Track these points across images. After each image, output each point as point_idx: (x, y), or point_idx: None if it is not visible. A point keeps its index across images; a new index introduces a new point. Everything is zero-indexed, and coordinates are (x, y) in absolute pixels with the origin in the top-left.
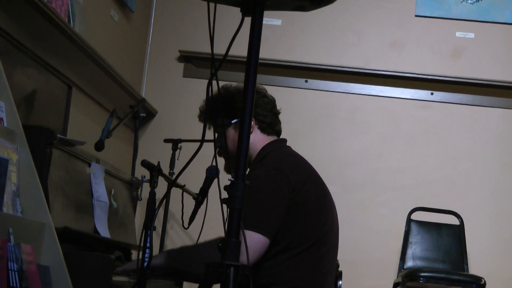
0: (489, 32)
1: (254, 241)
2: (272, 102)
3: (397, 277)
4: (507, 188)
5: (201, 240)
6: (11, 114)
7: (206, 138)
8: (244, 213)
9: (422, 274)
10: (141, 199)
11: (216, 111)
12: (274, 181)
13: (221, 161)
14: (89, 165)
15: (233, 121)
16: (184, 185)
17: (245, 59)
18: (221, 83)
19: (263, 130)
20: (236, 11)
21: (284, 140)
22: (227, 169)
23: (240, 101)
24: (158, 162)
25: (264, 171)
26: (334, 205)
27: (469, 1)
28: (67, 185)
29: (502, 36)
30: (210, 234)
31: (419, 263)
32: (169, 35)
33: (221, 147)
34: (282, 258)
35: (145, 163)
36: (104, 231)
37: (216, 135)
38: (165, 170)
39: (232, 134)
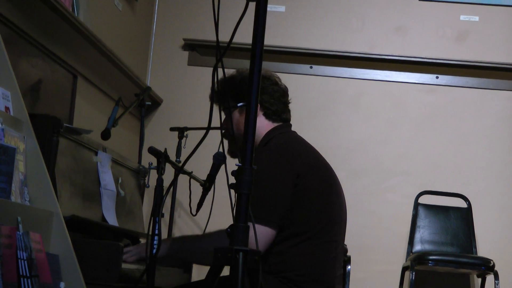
0: (494, 14)
1: (261, 234)
2: (282, 90)
3: (406, 261)
4: None
5: (209, 227)
6: (17, 103)
7: (212, 125)
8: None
9: (431, 257)
10: (148, 187)
11: (225, 91)
12: (278, 167)
13: (227, 147)
14: (96, 153)
15: (239, 104)
16: (191, 172)
17: (250, 46)
18: (227, 70)
19: (267, 116)
20: None
21: (289, 125)
22: (231, 153)
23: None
24: (165, 149)
25: (267, 156)
26: (341, 190)
27: None
28: (75, 173)
29: (506, 18)
30: (218, 220)
31: (427, 247)
32: (173, 23)
33: (227, 129)
34: (289, 244)
35: (152, 150)
36: (112, 220)
37: (224, 116)
38: (172, 158)
39: (236, 117)
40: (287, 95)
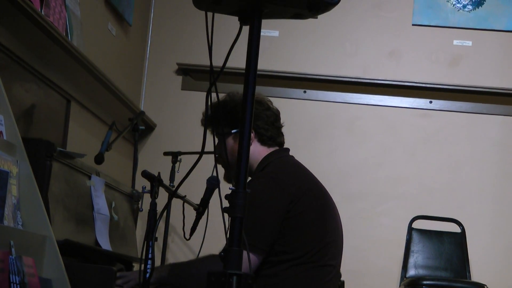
0: (487, 39)
1: (245, 260)
2: (275, 115)
3: (399, 286)
4: (508, 194)
5: (202, 251)
6: (11, 127)
7: (205, 149)
8: None
9: (425, 282)
10: (142, 210)
11: (218, 117)
12: (271, 193)
13: (221, 171)
14: (89, 177)
15: (233, 131)
16: (185, 196)
17: (244, 71)
18: (220, 95)
19: (263, 142)
20: (234, 23)
21: (287, 150)
22: (227, 178)
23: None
24: (159, 173)
25: (261, 182)
26: (337, 213)
27: (466, 9)
28: (68, 197)
29: (499, 43)
30: (212, 245)
31: (421, 272)
32: (166, 48)
33: (220, 155)
34: (283, 268)
35: (145, 174)
36: (105, 244)
37: (217, 141)
38: (165, 183)
39: (231, 143)
40: (280, 119)
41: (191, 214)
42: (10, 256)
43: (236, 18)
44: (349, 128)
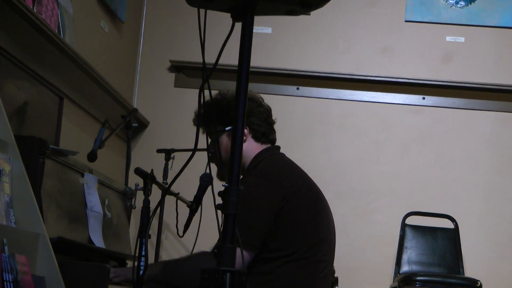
0: (479, 35)
1: (238, 256)
2: (267, 111)
3: (393, 282)
4: (501, 190)
5: (196, 248)
6: (3, 125)
7: (199, 146)
8: None
9: (418, 278)
10: (135, 208)
11: (210, 116)
12: (263, 190)
13: (214, 168)
14: (82, 175)
15: (227, 129)
16: (178, 193)
17: (236, 68)
18: (214, 91)
19: (256, 139)
20: (226, 21)
21: (277, 148)
22: (220, 176)
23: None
24: (152, 170)
25: (254, 180)
26: (329, 210)
27: (459, 5)
28: (61, 195)
29: (492, 39)
30: (205, 241)
31: (414, 268)
32: (159, 45)
33: (214, 154)
34: (277, 265)
35: (138, 171)
36: (98, 241)
37: (210, 140)
38: (159, 180)
39: (225, 141)
40: (271, 115)
41: (184, 211)
42: (3, 254)
43: (229, 15)
44: (342, 124)
